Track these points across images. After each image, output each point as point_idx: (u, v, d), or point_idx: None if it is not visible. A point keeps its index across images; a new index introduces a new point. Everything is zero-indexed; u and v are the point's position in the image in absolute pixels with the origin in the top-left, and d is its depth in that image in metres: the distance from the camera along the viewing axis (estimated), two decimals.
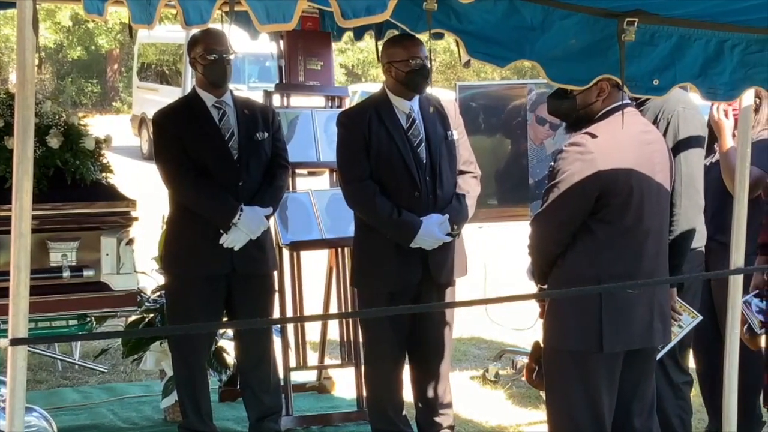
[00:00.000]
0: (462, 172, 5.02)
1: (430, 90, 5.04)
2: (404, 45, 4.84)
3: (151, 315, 5.58)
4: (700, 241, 4.63)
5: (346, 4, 2.87)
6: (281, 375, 5.51)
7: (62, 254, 4.86)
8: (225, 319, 5.28)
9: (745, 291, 4.44)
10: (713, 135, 4.95)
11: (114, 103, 31.27)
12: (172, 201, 5.08)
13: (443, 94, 6.44)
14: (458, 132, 5.03)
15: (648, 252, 3.94)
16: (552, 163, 4.03)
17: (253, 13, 2.94)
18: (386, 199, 4.83)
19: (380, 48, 4.94)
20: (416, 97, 4.94)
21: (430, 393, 5.08)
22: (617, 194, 3.84)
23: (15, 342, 2.69)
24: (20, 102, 2.77)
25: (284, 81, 5.99)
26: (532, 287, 4.32)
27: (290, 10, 2.89)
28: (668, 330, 4.11)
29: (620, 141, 3.88)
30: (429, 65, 4.81)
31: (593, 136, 3.88)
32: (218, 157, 4.99)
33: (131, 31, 4.04)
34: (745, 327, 4.39)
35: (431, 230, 4.79)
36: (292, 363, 5.80)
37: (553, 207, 3.91)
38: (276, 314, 5.49)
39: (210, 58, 4.97)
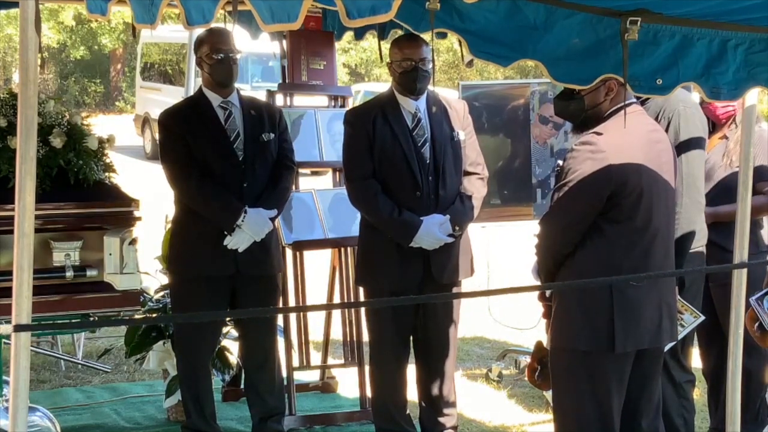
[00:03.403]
0: (468, 173, 5.02)
1: (432, 89, 5.04)
2: (400, 46, 4.86)
3: (155, 315, 5.58)
4: (700, 241, 4.63)
5: (352, 3, 2.86)
6: (284, 375, 5.51)
7: (65, 254, 4.86)
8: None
9: (758, 289, 4.43)
10: (712, 133, 4.98)
11: (117, 103, 31.29)
12: (177, 201, 5.08)
13: (446, 93, 6.43)
14: (466, 133, 5.03)
15: (656, 252, 3.93)
16: (560, 162, 4.02)
17: (257, 13, 2.93)
18: (388, 198, 4.83)
19: (384, 47, 4.95)
20: (423, 97, 4.94)
21: (435, 392, 5.07)
22: (628, 194, 3.83)
23: (18, 328, 2.69)
24: (23, 102, 2.77)
25: (287, 80, 5.99)
26: None
27: (295, 10, 2.88)
28: (675, 329, 4.11)
29: (630, 140, 3.88)
30: (428, 67, 4.81)
31: (603, 135, 3.87)
32: (223, 158, 4.99)
33: (134, 31, 4.04)
34: (756, 325, 4.38)
35: (431, 230, 4.79)
36: (296, 363, 5.81)
37: (564, 206, 3.90)
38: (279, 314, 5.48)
39: (216, 57, 4.97)
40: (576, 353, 3.91)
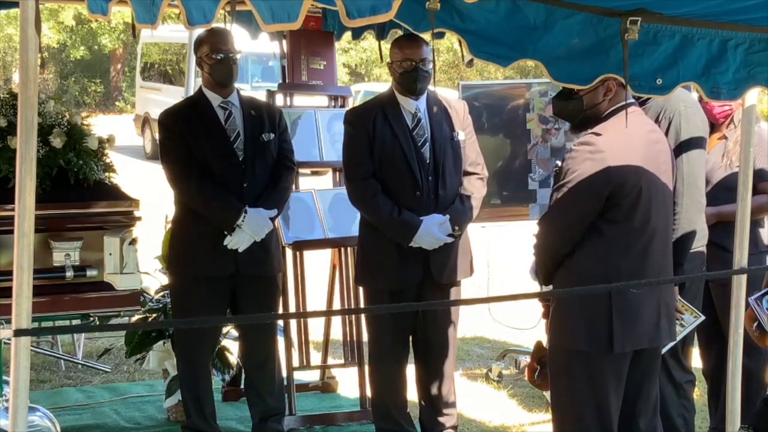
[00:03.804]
0: (468, 173, 5.02)
1: (433, 89, 5.04)
2: (400, 46, 4.86)
3: (155, 315, 5.58)
4: (701, 241, 4.62)
5: (352, 3, 2.87)
6: (284, 375, 5.51)
7: (65, 254, 4.87)
8: None
9: (757, 289, 4.43)
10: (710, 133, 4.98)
11: (117, 103, 31.30)
12: (177, 201, 5.08)
13: (446, 93, 6.43)
14: (466, 133, 5.03)
15: (655, 252, 3.93)
16: (559, 162, 4.02)
17: (258, 13, 2.93)
18: (387, 198, 4.83)
19: (384, 47, 4.95)
20: (423, 97, 4.94)
21: (434, 392, 5.08)
22: (627, 194, 3.82)
23: (19, 333, 2.70)
24: (23, 102, 2.77)
25: (287, 80, 5.99)
26: (535, 287, 4.31)
27: (295, 10, 2.88)
28: (674, 329, 4.11)
29: (629, 140, 3.88)
30: (428, 67, 4.81)
31: (602, 135, 3.87)
32: (223, 158, 4.99)
33: (134, 31, 4.04)
34: (755, 324, 4.38)
35: (431, 230, 4.79)
36: (296, 363, 5.81)
37: (563, 206, 3.90)
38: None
39: (216, 57, 4.97)
40: (574, 353, 3.91)
